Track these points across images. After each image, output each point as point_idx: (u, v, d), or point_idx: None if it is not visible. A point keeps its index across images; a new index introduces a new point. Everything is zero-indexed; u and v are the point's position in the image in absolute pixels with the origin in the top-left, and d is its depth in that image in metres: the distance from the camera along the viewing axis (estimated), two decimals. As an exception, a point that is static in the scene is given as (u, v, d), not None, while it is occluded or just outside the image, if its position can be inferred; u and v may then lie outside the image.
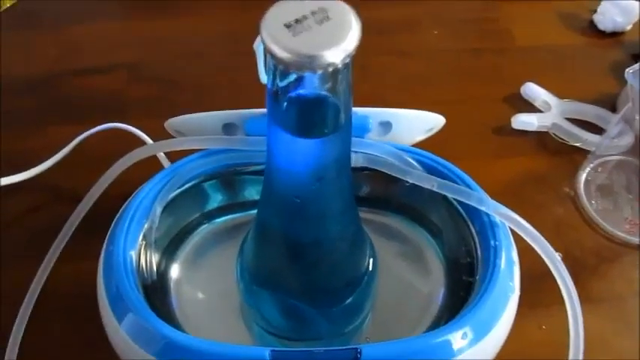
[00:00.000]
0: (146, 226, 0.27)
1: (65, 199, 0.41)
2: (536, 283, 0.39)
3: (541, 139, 0.47)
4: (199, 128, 0.30)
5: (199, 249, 0.31)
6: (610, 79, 0.52)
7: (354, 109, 0.22)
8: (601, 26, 0.55)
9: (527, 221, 0.27)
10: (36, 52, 0.52)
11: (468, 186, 0.28)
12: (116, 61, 0.51)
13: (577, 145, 0.46)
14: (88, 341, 0.31)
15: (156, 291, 0.27)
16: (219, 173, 0.29)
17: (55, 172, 0.41)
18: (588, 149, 0.45)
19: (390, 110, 0.29)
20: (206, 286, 0.30)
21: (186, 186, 0.29)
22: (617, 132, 0.44)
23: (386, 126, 0.30)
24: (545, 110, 0.48)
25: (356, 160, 0.28)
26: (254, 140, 0.27)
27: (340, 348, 0.23)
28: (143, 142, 0.38)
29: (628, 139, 0.44)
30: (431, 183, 0.27)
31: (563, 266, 0.27)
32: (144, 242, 0.27)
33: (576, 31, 0.56)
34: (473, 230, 0.28)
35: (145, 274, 0.27)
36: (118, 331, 0.24)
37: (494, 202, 0.26)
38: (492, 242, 0.26)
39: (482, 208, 0.26)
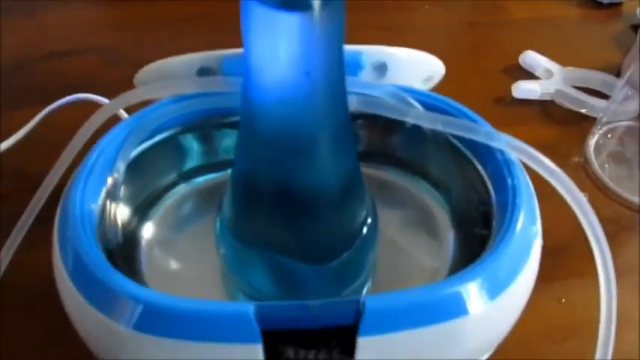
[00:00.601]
0: (109, 181, 0.24)
1: (30, 181, 0.38)
2: (552, 254, 0.36)
3: (545, 107, 0.44)
4: (171, 76, 0.26)
5: (174, 211, 0.27)
6: (612, 48, 0.50)
7: (345, 47, 0.19)
8: (598, -3, 0.53)
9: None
10: (5, 37, 0.49)
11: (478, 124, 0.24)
12: (90, 45, 0.49)
13: (582, 111, 0.43)
14: (54, 336, 0.28)
15: (122, 256, 0.23)
16: (194, 124, 0.26)
17: (18, 153, 0.38)
18: (595, 116, 0.42)
19: (384, 48, 0.26)
20: (181, 253, 0.26)
21: (158, 138, 0.25)
22: (623, 96, 0.41)
23: (380, 70, 0.27)
24: (546, 79, 0.45)
25: (349, 103, 0.25)
26: (232, 81, 0.24)
27: (339, 300, 0.19)
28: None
29: (635, 104, 0.41)
30: (434, 122, 0.24)
31: (590, 208, 0.23)
32: (108, 200, 0.23)
33: (573, 3, 0.54)
34: (485, 175, 0.24)
35: (109, 236, 0.23)
36: (80, 304, 0.20)
37: (507, 135, 0.23)
38: (510, 181, 0.22)
39: (493, 144, 0.23)
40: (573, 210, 0.23)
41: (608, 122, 0.42)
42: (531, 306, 0.29)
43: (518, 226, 0.21)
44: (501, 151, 0.23)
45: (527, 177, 0.24)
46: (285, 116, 0.19)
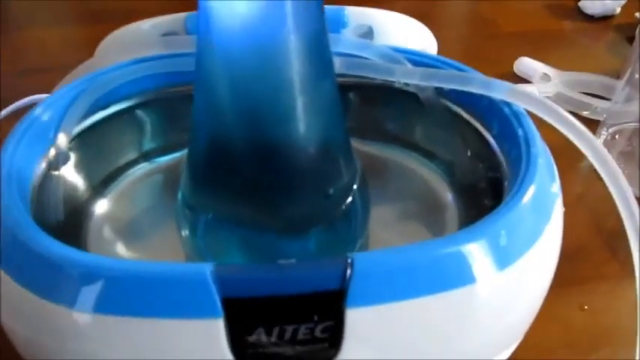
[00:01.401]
0: (52, 151, 0.20)
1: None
2: (568, 257, 0.32)
3: (545, 112, 0.41)
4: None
5: (133, 189, 0.23)
6: (607, 56, 0.48)
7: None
8: (589, 11, 0.52)
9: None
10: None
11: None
12: (64, 62, 0.46)
13: (584, 114, 0.41)
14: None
15: (62, 234, 0.19)
16: (155, 94, 0.23)
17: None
18: (596, 119, 0.40)
19: (369, 10, 0.24)
20: (137, 234, 0.22)
21: (114, 109, 0.22)
22: (625, 97, 0.39)
23: (366, 36, 0.24)
24: (544, 83, 0.43)
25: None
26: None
27: (322, 259, 0.15)
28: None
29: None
30: (424, 77, 0.21)
31: (610, 157, 0.20)
32: (50, 172, 0.20)
33: (564, 17, 0.53)
34: (490, 137, 0.21)
35: (48, 211, 0.19)
36: (14, 293, 0.16)
37: (508, 83, 0.20)
38: (521, 132, 0.19)
39: (494, 95, 0.20)
40: (590, 160, 0.20)
41: (614, 124, 0.39)
42: (551, 313, 0.25)
43: (536, 178, 0.18)
44: (507, 104, 0.20)
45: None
46: (251, 54, 0.16)
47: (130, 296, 0.15)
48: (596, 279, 0.31)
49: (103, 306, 0.15)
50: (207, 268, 0.15)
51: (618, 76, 0.46)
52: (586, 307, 0.30)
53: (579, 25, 0.52)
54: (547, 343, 0.27)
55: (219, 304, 0.14)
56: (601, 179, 0.37)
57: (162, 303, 0.15)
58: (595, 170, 0.37)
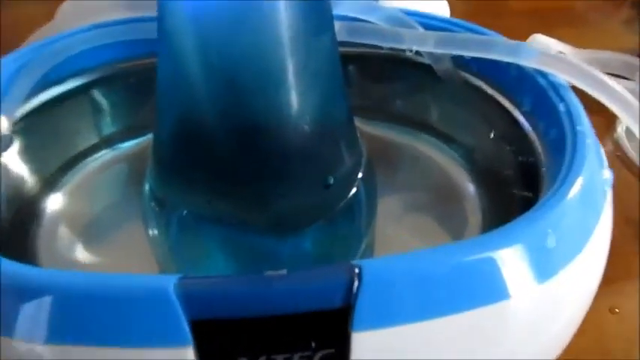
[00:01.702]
0: (-9, 135, 0.17)
1: None
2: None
3: (562, 94, 0.38)
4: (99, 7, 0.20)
5: (93, 181, 0.20)
6: (624, 34, 0.45)
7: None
8: (604, -13, 0.49)
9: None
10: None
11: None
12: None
13: (607, 96, 0.37)
14: None
15: (5, 240, 0.16)
16: (116, 66, 0.19)
17: None
18: (621, 102, 0.37)
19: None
20: (99, 235, 0.18)
21: (67, 86, 0.19)
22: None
23: None
24: (560, 64, 0.40)
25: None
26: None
27: (319, 268, 0.12)
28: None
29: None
30: (439, 44, 0.17)
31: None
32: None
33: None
34: (519, 114, 0.18)
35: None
36: None
37: (538, 48, 0.17)
38: (562, 107, 0.16)
39: (523, 62, 0.17)
40: None
41: (638, 106, 0.36)
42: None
43: (585, 164, 0.14)
44: (542, 74, 0.17)
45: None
46: (226, 4, 0.12)
47: (73, 320, 0.11)
48: (626, 277, 0.28)
49: (45, 334, 0.12)
50: (169, 282, 0.11)
51: (638, 55, 0.43)
52: (617, 310, 0.27)
53: (592, 2, 0.49)
54: (579, 350, 0.25)
55: (186, 327, 0.11)
56: (626, 166, 0.34)
57: (118, 328, 0.11)
58: (620, 157, 0.34)
